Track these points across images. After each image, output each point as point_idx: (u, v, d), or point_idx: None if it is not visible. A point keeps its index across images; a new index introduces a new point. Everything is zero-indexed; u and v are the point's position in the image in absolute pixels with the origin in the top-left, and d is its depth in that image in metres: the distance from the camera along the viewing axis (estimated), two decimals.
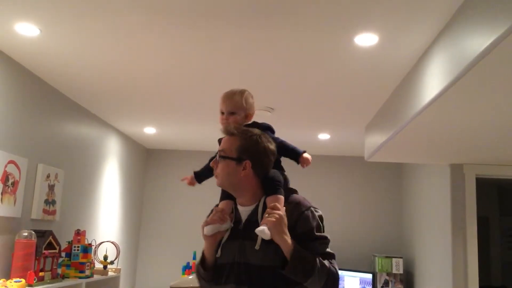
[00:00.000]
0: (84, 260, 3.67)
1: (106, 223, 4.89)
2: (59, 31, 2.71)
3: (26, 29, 2.68)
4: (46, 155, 3.60)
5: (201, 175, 2.02)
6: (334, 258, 1.64)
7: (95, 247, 4.14)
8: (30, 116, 3.39)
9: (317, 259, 1.56)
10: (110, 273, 4.16)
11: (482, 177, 4.14)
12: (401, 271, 5.17)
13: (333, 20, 2.44)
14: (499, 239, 6.49)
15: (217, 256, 1.70)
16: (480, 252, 4.03)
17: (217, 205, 1.80)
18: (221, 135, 1.78)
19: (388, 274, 5.21)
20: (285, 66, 3.10)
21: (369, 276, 5.29)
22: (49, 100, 3.67)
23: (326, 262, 1.58)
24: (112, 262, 4.20)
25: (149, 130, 5.14)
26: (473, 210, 4.04)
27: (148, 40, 2.80)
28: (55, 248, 3.33)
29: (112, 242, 4.42)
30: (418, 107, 2.77)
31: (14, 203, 3.14)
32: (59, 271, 3.43)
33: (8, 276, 3.00)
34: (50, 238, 3.28)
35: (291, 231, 1.58)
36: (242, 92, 1.89)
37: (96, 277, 3.88)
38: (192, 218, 5.82)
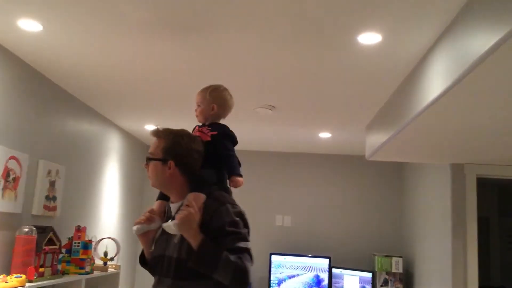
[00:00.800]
0: (84, 257, 3.67)
1: (107, 220, 4.90)
2: (62, 27, 2.70)
3: (29, 25, 2.68)
4: (47, 151, 3.60)
5: None
6: (247, 253, 1.68)
7: (95, 244, 4.15)
8: (31, 112, 3.39)
9: (223, 254, 1.62)
10: (110, 270, 4.16)
11: (482, 177, 4.14)
12: (400, 270, 5.18)
13: (336, 19, 2.44)
14: (499, 240, 6.49)
15: (150, 250, 1.86)
16: (480, 253, 4.04)
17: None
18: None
19: (387, 273, 5.22)
20: (286, 64, 3.10)
21: (369, 275, 5.30)
22: (51, 96, 3.67)
23: (233, 257, 1.62)
24: (112, 259, 4.21)
25: (150, 127, 5.14)
26: (474, 210, 4.04)
27: (150, 38, 2.80)
28: (55, 244, 3.33)
29: (112, 239, 4.43)
30: (420, 107, 2.77)
31: (15, 198, 3.14)
32: (59, 267, 3.43)
33: (8, 272, 3.00)
34: (51, 234, 3.28)
35: (206, 226, 1.67)
36: (209, 87, 2.05)
37: (96, 273, 3.88)
38: None
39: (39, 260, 3.14)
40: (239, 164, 1.96)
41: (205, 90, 2.04)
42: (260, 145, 5.91)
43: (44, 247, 3.19)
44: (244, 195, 5.93)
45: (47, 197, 3.55)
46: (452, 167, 4.11)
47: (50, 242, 3.28)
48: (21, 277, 2.84)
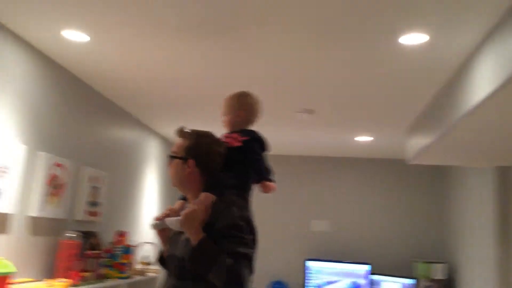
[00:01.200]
0: (125, 261, 3.72)
1: (147, 225, 4.96)
2: (107, 38, 2.76)
3: (76, 36, 2.74)
4: (90, 158, 3.68)
5: None
6: (246, 259, 1.63)
7: (136, 248, 4.20)
8: (75, 120, 3.46)
9: (220, 255, 1.59)
10: (150, 274, 4.21)
11: None
12: (442, 277, 5.03)
13: (379, 20, 2.39)
14: None
15: (165, 248, 1.88)
16: None
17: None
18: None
19: (428, 280, 5.08)
20: (325, 66, 3.06)
21: (411, 281, 5.17)
22: (94, 104, 3.75)
23: (230, 260, 1.58)
24: (152, 263, 4.25)
25: None
26: None
27: (191, 47, 2.82)
28: (98, 249, 3.39)
29: (152, 243, 4.48)
30: (466, 108, 2.68)
31: (60, 204, 3.21)
32: (101, 271, 3.48)
33: (53, 276, 3.07)
34: (94, 239, 3.34)
35: (211, 227, 1.66)
36: (235, 94, 2.03)
37: (136, 277, 3.93)
38: None
39: (82, 264, 3.20)
40: (270, 171, 1.93)
41: (232, 98, 2.03)
42: (298, 150, 5.87)
43: (87, 252, 3.25)
44: (280, 199, 5.96)
45: (90, 203, 3.62)
46: (496, 170, 3.97)
47: (93, 247, 3.33)
48: (65, 281, 2.89)
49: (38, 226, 3.03)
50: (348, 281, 5.54)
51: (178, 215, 1.83)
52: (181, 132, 1.86)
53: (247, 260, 1.63)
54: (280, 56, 2.93)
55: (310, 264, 5.65)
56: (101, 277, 3.43)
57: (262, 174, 1.88)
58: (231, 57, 2.98)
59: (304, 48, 2.78)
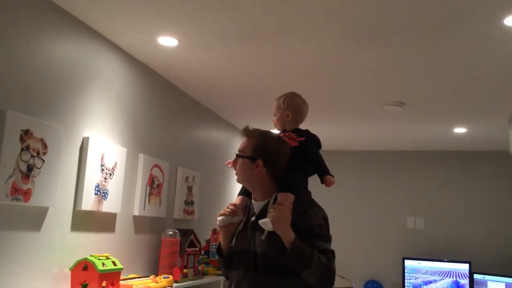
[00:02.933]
0: None
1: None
2: (195, 40, 2.83)
3: (166, 41, 2.84)
4: (184, 159, 3.81)
5: None
6: (333, 255, 1.76)
7: None
8: (168, 122, 3.61)
9: (315, 254, 1.69)
10: None
11: None
12: None
13: (480, 1, 2.24)
14: None
15: (231, 244, 1.90)
16: None
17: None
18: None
19: None
20: (417, 54, 2.91)
21: None
22: (184, 106, 3.88)
23: (323, 258, 1.70)
24: None
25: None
26: None
27: (280, 50, 2.84)
28: (196, 246, 3.50)
29: None
30: None
31: (159, 204, 3.35)
32: (200, 268, 3.59)
33: (156, 272, 3.21)
34: (192, 236, 3.45)
35: (294, 226, 1.73)
36: (283, 95, 2.11)
37: None
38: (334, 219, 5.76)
39: (183, 261, 3.31)
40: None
41: (279, 99, 2.11)
42: (388, 144, 5.68)
43: (187, 249, 3.36)
44: (373, 196, 5.81)
45: (186, 202, 3.75)
46: None
47: (191, 244, 3.45)
48: (169, 277, 3.01)
49: (140, 224, 3.19)
50: (449, 280, 5.26)
51: (244, 212, 1.92)
52: (248, 132, 1.92)
53: (333, 256, 1.76)
54: (369, 50, 2.84)
55: (407, 262, 5.44)
56: (200, 274, 3.54)
57: (326, 171, 1.96)
58: (313, 56, 2.94)
59: (394, 33, 2.67)
